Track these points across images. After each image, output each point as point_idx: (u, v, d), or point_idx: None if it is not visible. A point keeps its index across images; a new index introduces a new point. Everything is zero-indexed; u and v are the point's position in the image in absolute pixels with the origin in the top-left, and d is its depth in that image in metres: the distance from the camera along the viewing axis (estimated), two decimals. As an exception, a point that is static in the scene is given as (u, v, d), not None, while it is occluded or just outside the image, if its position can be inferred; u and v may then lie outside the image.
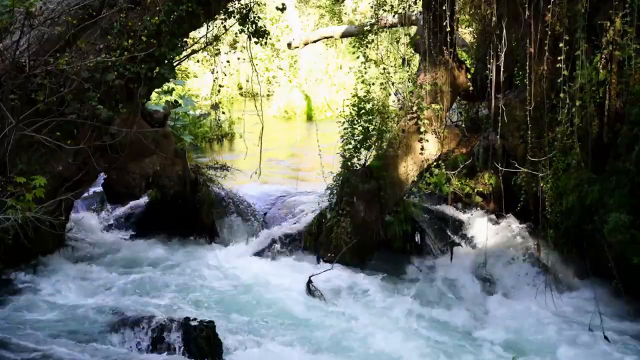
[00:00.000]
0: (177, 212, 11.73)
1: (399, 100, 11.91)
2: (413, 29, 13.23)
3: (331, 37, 17.86)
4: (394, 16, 13.00)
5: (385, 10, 11.94)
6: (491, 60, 10.29)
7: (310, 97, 24.57)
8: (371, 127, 11.20)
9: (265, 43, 10.92)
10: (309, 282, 9.68)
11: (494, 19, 10.41)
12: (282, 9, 11.36)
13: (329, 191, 11.30)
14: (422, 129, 10.99)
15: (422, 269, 10.85)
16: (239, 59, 15.29)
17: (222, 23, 10.65)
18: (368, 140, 11.20)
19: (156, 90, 12.28)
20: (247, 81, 24.19)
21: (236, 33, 12.29)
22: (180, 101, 13.02)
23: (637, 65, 8.70)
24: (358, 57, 11.56)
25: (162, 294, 9.31)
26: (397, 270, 10.74)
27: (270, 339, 8.20)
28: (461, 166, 11.73)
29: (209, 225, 11.99)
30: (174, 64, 10.07)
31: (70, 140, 8.65)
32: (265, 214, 12.95)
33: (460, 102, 12.98)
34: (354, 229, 10.72)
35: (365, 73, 11.21)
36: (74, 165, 9.51)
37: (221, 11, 10.42)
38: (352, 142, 11.15)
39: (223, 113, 17.95)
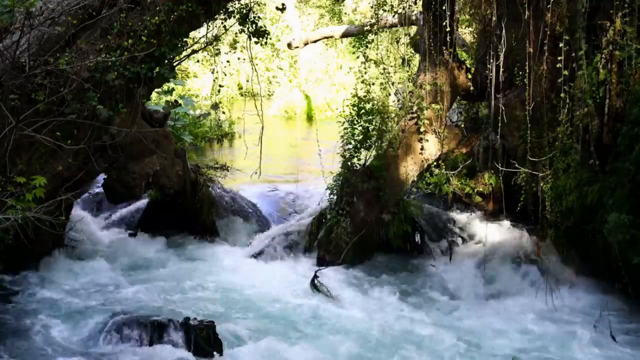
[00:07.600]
0: (177, 212, 11.74)
1: (399, 100, 11.92)
2: (413, 29, 13.23)
3: (331, 37, 17.85)
4: (394, 16, 13.00)
5: (385, 10, 11.94)
6: (491, 60, 10.30)
7: (310, 97, 24.59)
8: (371, 127, 11.21)
9: (265, 43, 10.91)
10: (315, 277, 9.70)
11: (494, 19, 10.42)
12: (282, 9, 11.35)
13: (329, 191, 11.30)
14: (422, 129, 11.01)
15: (422, 269, 10.85)
16: (239, 59, 15.25)
17: (222, 23, 10.64)
18: (368, 140, 11.20)
19: (156, 90, 12.28)
20: (247, 81, 24.18)
21: (236, 33, 12.27)
22: (180, 101, 13.01)
23: (637, 65, 8.70)
24: (358, 57, 11.56)
25: (162, 294, 9.32)
26: (397, 270, 10.74)
27: (270, 338, 8.18)
28: (461, 166, 11.74)
29: (209, 225, 12.00)
30: (174, 64, 10.06)
31: (70, 140, 8.63)
32: (265, 213, 12.96)
33: (460, 102, 12.99)
34: (354, 229, 10.72)
35: (365, 73, 11.21)
36: (74, 165, 9.49)
37: (221, 11, 10.41)
38: (352, 142, 11.16)
39: (223, 113, 17.93)
